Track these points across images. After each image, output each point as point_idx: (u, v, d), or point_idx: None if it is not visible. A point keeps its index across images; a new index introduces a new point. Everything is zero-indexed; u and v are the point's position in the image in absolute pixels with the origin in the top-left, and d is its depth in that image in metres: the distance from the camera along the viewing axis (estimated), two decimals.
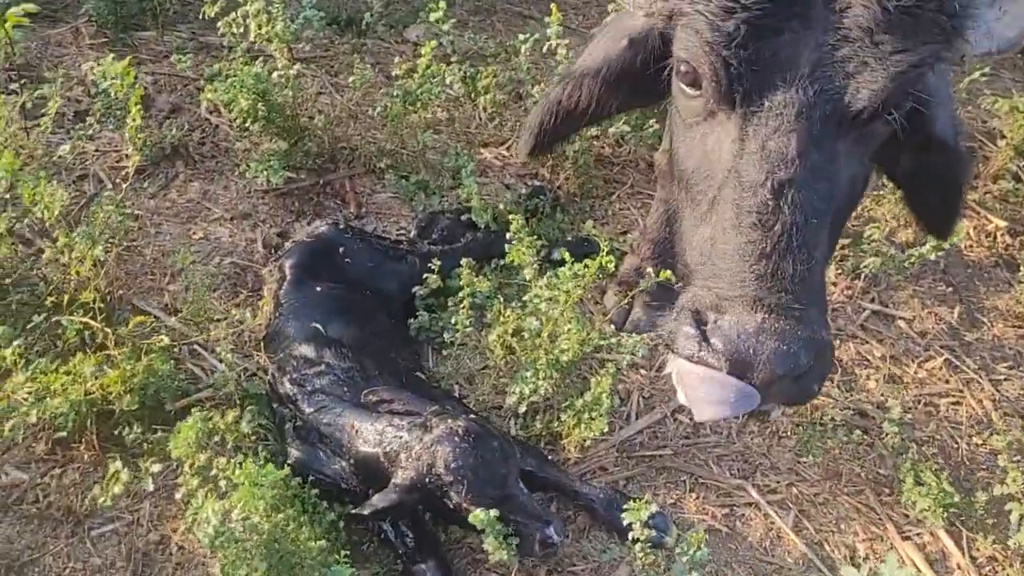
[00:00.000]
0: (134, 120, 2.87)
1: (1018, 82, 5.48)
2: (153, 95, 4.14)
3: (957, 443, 2.99)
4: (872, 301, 3.53)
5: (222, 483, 2.09)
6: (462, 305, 2.88)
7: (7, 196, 3.02)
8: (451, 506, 2.24)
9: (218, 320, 2.98)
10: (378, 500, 2.26)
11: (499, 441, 2.32)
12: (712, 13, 1.69)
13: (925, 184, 2.20)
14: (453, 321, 2.90)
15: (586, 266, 2.72)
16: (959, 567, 2.61)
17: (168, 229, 3.47)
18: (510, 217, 2.91)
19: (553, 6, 3.54)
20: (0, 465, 2.58)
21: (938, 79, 1.93)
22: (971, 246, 3.94)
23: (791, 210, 1.69)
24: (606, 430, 2.60)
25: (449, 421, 2.30)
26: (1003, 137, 4.15)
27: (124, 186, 2.95)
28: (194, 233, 3.47)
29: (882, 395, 3.10)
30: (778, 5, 1.67)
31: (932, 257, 3.25)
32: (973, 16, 1.75)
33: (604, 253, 2.68)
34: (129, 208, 3.52)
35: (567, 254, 2.75)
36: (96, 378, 2.43)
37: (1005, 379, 3.26)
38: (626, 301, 3.18)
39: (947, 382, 3.22)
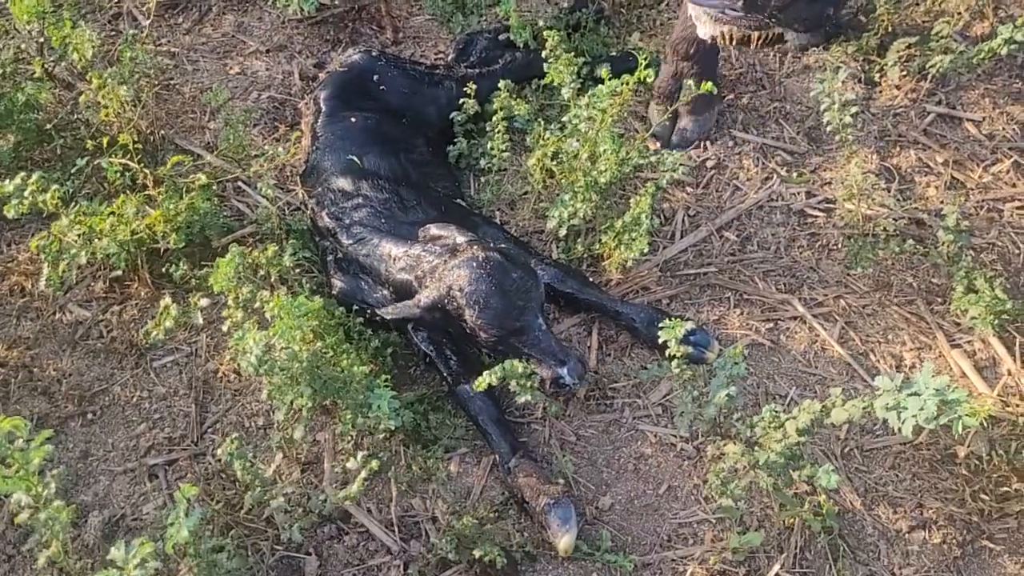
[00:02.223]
0: None
1: None
2: None
3: (1020, 248, 2.87)
4: (939, 104, 3.32)
5: (267, 315, 2.16)
6: (498, 129, 2.81)
7: (41, 40, 3.01)
8: (467, 330, 2.28)
9: (257, 156, 2.98)
10: (400, 308, 2.31)
11: (521, 273, 2.30)
12: None
13: None
14: (490, 146, 2.85)
15: (624, 83, 2.61)
16: (1009, 373, 2.56)
17: (205, 65, 3.43)
18: (546, 33, 2.77)
19: None
20: (64, 304, 2.72)
21: None
22: None
23: None
24: (647, 250, 2.56)
25: (475, 248, 2.30)
26: None
27: (146, 24, 2.88)
28: (231, 68, 3.43)
29: (941, 202, 2.97)
30: None
31: (1005, 52, 2.99)
32: None
33: (643, 67, 2.56)
34: (165, 45, 3.51)
35: (607, 71, 2.64)
36: (141, 218, 2.50)
37: None
38: (668, 114, 3.07)
39: (1014, 186, 3.05)
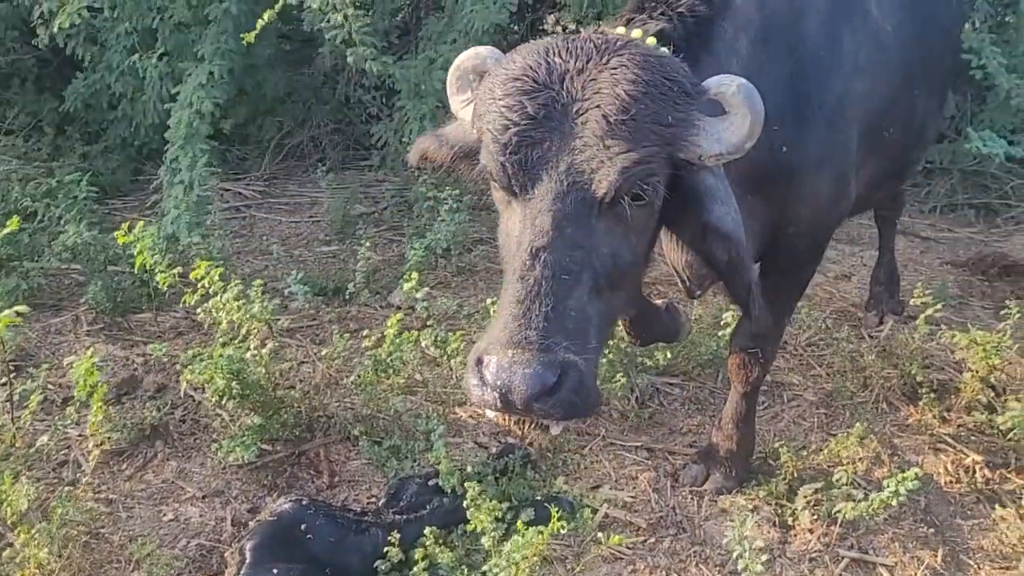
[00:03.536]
0: (95, 416, 3.01)
1: (987, 309, 5.66)
2: (141, 375, 4.35)
3: None
4: (851, 548, 3.46)
5: None
6: None
7: None
8: None
9: None
10: None
11: None
12: (495, 130, 2.29)
13: (724, 270, 2.59)
14: None
15: (539, 532, 2.74)
16: None
17: (140, 512, 3.51)
18: (466, 484, 2.95)
19: None
20: None
21: (716, 179, 2.45)
22: (950, 482, 3.90)
23: (542, 269, 2.20)
24: None
25: None
26: (968, 370, 4.21)
27: (84, 479, 3.03)
28: (165, 515, 3.51)
29: None
30: (538, 122, 2.27)
31: (895, 503, 3.21)
32: (695, 125, 2.30)
33: (556, 519, 2.71)
34: (104, 492, 3.61)
35: (523, 521, 2.78)
36: None
37: None
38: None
39: None
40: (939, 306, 4.30)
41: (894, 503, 3.17)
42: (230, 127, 7.20)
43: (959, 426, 4.19)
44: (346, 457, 3.89)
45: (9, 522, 2.91)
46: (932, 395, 4.28)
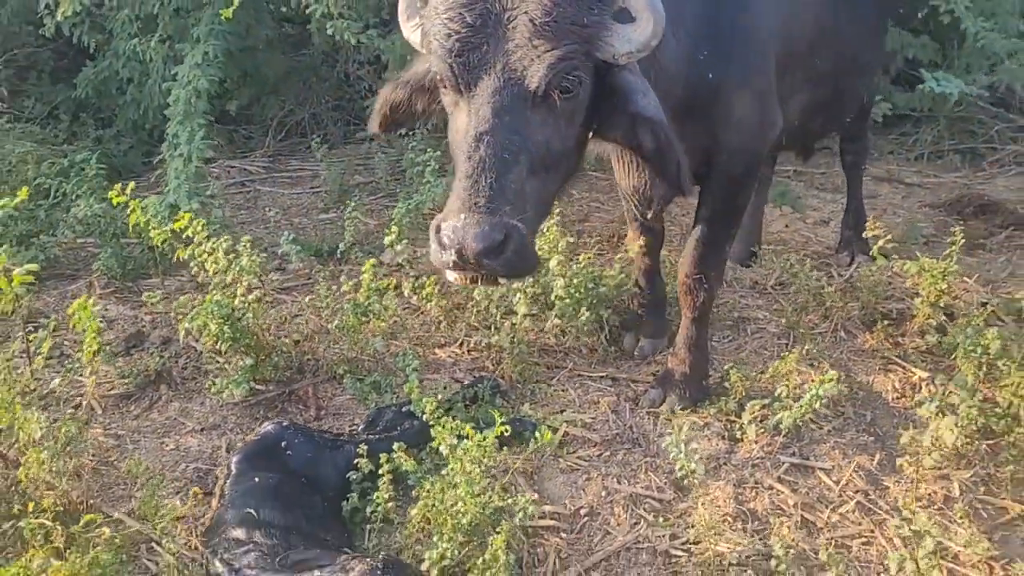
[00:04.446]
0: (90, 346, 3.38)
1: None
2: (148, 331, 4.74)
3: None
4: (792, 455, 3.74)
5: None
6: (383, 481, 3.19)
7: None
8: None
9: (176, 519, 3.32)
10: None
11: (412, 569, 2.74)
12: (441, 39, 2.72)
13: (655, 156, 2.99)
14: (375, 496, 3.21)
15: (485, 437, 3.07)
16: None
17: (145, 444, 3.89)
18: (424, 400, 3.28)
19: None
20: None
21: (635, 76, 2.87)
22: (897, 397, 4.16)
23: (485, 149, 2.61)
24: None
25: (368, 560, 2.70)
26: (919, 295, 4.45)
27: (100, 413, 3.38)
28: (167, 446, 3.89)
29: (794, 539, 3.25)
30: (476, 29, 2.68)
31: (820, 402, 3.50)
32: (608, 27, 2.73)
33: (499, 424, 3.04)
34: (113, 429, 4.00)
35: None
36: (44, 572, 2.77)
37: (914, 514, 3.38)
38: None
39: (860, 524, 3.36)
40: (888, 237, 4.52)
41: (817, 405, 3.45)
42: (235, 108, 7.55)
43: (912, 349, 4.43)
44: (332, 394, 4.24)
45: (21, 447, 3.28)
46: (888, 323, 4.53)
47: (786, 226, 6.25)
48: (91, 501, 3.47)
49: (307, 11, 5.77)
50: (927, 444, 3.40)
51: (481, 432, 3.61)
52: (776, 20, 3.48)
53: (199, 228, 3.93)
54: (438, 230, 2.60)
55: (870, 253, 4.64)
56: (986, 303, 4.74)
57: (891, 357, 4.40)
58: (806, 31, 3.69)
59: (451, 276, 2.72)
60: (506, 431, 3.15)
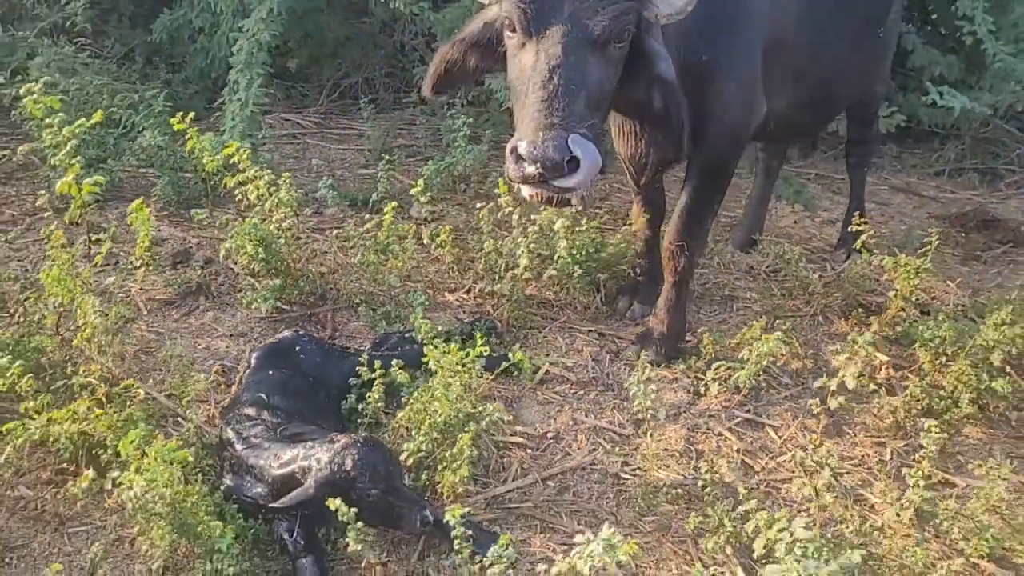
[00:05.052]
0: (142, 242, 3.92)
1: (956, 256, 6.17)
2: (194, 250, 5.30)
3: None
4: (747, 412, 4.15)
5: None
6: (376, 385, 3.69)
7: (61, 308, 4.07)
8: (354, 497, 2.95)
9: (200, 401, 3.87)
10: (294, 494, 3.01)
11: (386, 448, 3.20)
12: None
13: (660, 115, 3.49)
14: (367, 399, 3.71)
15: (467, 353, 3.55)
16: None
17: (181, 342, 4.44)
18: (418, 322, 3.78)
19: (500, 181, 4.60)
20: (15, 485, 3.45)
21: (659, 44, 3.35)
22: (857, 376, 4.52)
23: (558, 79, 3.04)
24: (467, 475, 3.29)
25: (351, 435, 3.17)
26: (894, 289, 4.81)
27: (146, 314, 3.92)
28: (199, 345, 4.44)
29: (729, 477, 3.68)
30: None
31: (768, 359, 3.92)
32: None
33: (480, 337, 3.52)
34: (154, 328, 4.56)
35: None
36: (87, 418, 3.32)
37: (847, 473, 3.79)
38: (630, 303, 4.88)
39: (792, 471, 3.77)
40: (871, 232, 4.89)
41: (764, 362, 3.86)
42: (295, 67, 8.12)
43: (880, 336, 4.79)
44: (348, 320, 4.75)
45: (77, 327, 3.85)
46: (864, 312, 4.90)
47: (795, 222, 6.63)
48: (129, 380, 4.02)
49: None
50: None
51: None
52: (764, 10, 3.88)
53: (244, 156, 4.45)
54: (514, 149, 2.97)
55: (854, 246, 5.00)
56: (961, 304, 5.08)
57: (858, 341, 4.76)
58: (793, 26, 4.08)
59: (526, 192, 3.11)
60: (486, 351, 3.63)
